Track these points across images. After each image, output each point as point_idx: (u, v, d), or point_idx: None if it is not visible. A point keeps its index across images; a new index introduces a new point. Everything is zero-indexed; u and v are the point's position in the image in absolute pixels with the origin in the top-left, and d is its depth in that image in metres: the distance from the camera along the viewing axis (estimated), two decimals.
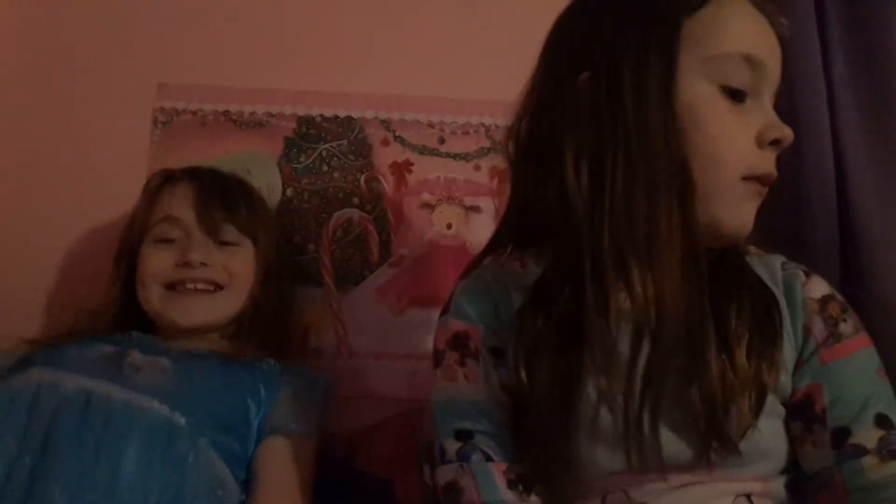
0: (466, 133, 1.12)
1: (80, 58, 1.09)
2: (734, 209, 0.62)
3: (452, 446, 0.65)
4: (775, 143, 0.62)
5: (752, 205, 0.62)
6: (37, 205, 1.06)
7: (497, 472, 0.63)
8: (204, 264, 0.86)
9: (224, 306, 0.88)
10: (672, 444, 0.59)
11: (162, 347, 0.83)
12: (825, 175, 0.90)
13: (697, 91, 0.60)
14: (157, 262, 0.87)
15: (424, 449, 0.93)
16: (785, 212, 0.87)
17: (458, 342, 0.69)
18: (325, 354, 1.04)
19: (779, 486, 0.62)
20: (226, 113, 1.10)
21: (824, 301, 0.64)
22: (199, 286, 0.86)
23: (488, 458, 0.64)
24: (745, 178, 0.61)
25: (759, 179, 0.62)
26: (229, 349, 0.87)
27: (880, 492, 0.58)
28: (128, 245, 0.91)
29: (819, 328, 0.63)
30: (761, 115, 0.62)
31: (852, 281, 0.86)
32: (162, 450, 0.70)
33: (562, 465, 0.62)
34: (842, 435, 0.60)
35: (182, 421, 0.72)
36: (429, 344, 1.02)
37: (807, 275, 0.66)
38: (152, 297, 0.86)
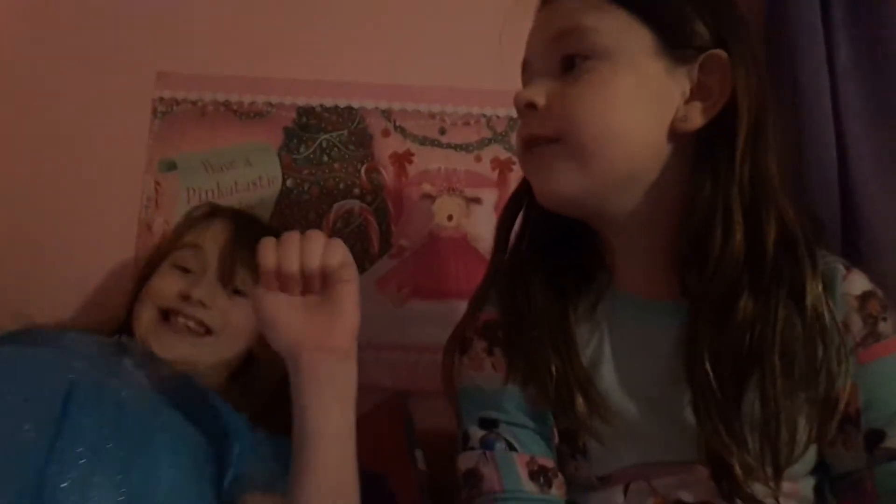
0: (467, 124, 1.12)
1: (79, 47, 1.08)
2: (531, 179, 0.67)
3: (476, 433, 0.65)
4: (523, 110, 0.65)
5: (536, 168, 0.65)
6: (35, 194, 1.06)
7: (520, 463, 0.63)
8: (202, 304, 0.83)
9: (206, 352, 0.84)
10: (694, 440, 0.59)
11: (161, 360, 0.80)
12: (828, 166, 0.90)
13: None
14: (163, 285, 0.85)
15: (413, 434, 0.93)
16: None
17: (488, 330, 0.69)
18: None
19: (807, 487, 0.61)
20: (226, 103, 1.09)
21: (864, 297, 0.62)
22: (191, 324, 0.84)
23: (512, 448, 0.64)
24: (524, 150, 0.66)
25: (523, 145, 0.66)
26: (221, 389, 0.83)
27: None
28: (153, 260, 0.91)
29: (857, 326, 0.61)
30: None
31: None
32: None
33: (581, 451, 0.63)
34: (876, 437, 0.58)
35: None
36: (430, 335, 1.04)
37: (847, 269, 0.63)
38: (144, 317, 0.84)
